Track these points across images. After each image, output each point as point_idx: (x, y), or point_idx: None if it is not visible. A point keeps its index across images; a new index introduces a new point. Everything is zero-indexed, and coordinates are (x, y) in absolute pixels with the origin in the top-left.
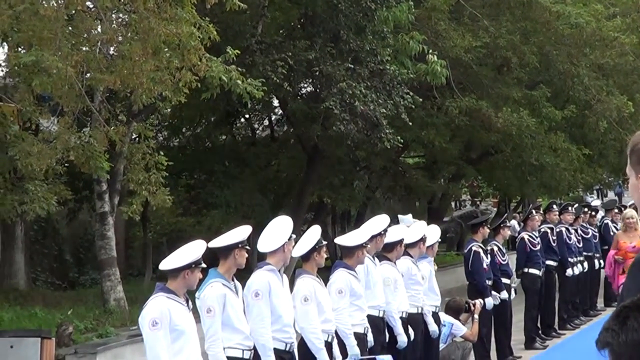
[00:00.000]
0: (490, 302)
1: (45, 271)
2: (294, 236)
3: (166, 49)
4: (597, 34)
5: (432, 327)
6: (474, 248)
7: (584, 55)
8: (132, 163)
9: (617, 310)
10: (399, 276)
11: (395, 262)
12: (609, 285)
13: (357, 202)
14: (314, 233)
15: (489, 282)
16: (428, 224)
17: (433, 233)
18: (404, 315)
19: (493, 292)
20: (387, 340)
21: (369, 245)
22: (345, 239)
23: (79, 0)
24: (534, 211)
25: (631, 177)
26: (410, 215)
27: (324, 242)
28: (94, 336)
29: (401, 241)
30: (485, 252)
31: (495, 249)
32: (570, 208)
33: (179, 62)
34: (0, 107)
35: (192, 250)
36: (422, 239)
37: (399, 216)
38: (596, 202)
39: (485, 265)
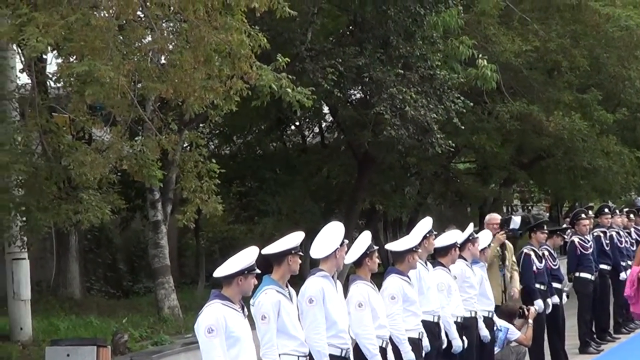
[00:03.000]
0: (540, 304)
1: (100, 280)
2: (346, 242)
3: (217, 57)
4: None
5: (484, 332)
6: (525, 251)
7: (635, 57)
8: (185, 171)
9: None
10: (452, 281)
11: (449, 268)
12: None
13: (408, 208)
14: (364, 239)
15: (542, 287)
16: (480, 229)
17: (484, 238)
18: (459, 320)
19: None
20: (443, 345)
21: (419, 250)
22: (396, 245)
23: (130, 10)
24: (583, 214)
25: None
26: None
27: (375, 247)
28: (149, 344)
29: (455, 245)
30: (538, 256)
31: (547, 253)
32: (618, 212)
33: (229, 71)
34: (54, 118)
35: (244, 257)
36: (470, 240)
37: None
38: None
39: (535, 269)
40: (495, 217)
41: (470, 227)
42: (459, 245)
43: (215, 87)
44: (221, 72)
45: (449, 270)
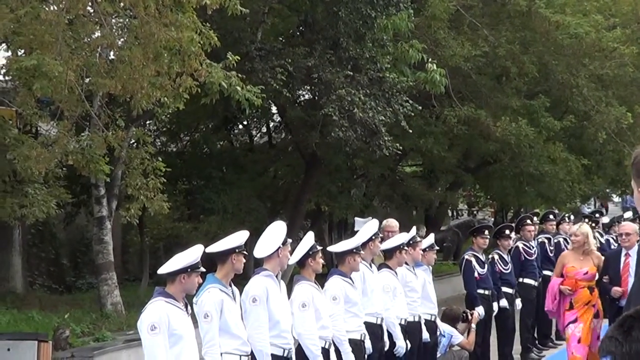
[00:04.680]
0: (481, 310)
1: (42, 275)
2: (289, 241)
3: (166, 54)
4: (596, 45)
5: (424, 334)
6: (466, 257)
7: (583, 65)
8: (131, 168)
9: (621, 320)
10: (398, 283)
11: (395, 270)
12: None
13: (354, 210)
14: (307, 239)
15: (486, 292)
16: (426, 232)
17: (427, 241)
18: (402, 323)
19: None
20: (386, 347)
21: (362, 252)
22: (337, 246)
23: (80, 4)
24: (528, 220)
25: (635, 190)
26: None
27: (319, 248)
28: (91, 340)
29: (400, 247)
30: (481, 261)
31: (497, 257)
32: (566, 218)
33: (179, 68)
34: (0, 111)
35: (189, 255)
36: (412, 244)
37: (355, 218)
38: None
39: (477, 274)
40: (392, 224)
41: (413, 231)
42: (405, 248)
43: (165, 84)
44: (170, 69)
45: (395, 273)
